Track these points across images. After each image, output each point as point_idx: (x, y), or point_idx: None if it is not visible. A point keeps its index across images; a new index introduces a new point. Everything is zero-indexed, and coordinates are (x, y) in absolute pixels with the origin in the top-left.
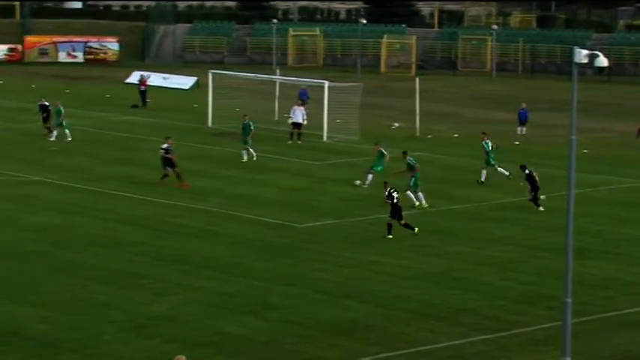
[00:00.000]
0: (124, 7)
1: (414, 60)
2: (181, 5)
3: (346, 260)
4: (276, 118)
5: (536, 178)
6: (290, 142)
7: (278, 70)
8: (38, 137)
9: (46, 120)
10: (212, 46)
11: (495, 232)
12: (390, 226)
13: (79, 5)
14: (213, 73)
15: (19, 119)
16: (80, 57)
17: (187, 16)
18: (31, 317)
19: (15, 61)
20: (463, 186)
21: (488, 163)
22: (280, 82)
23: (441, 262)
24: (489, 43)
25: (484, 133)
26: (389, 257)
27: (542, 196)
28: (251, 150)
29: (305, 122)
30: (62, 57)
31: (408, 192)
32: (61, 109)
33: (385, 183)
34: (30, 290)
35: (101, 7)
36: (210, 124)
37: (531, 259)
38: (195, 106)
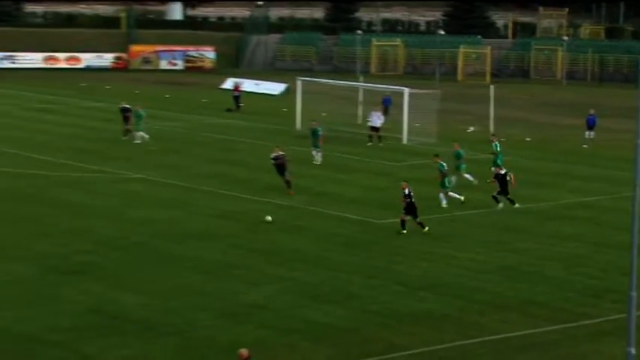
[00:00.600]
0: (220, 18)
1: (488, 68)
2: (273, 17)
3: (424, 254)
4: (359, 122)
5: (512, 182)
6: (369, 144)
7: (361, 78)
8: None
9: (126, 122)
10: (301, 55)
11: (564, 230)
12: (403, 222)
13: (179, 17)
14: (301, 80)
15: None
16: (180, 65)
17: (279, 27)
18: (133, 303)
19: (121, 68)
20: (534, 186)
21: (495, 163)
22: (363, 89)
23: (513, 257)
24: (560, 53)
25: (494, 135)
26: (464, 252)
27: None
28: (320, 153)
29: (382, 125)
30: (163, 65)
31: (443, 194)
32: (142, 112)
33: (404, 182)
34: (133, 279)
35: (199, 19)
36: (298, 126)
37: (598, 255)
38: (285, 110)
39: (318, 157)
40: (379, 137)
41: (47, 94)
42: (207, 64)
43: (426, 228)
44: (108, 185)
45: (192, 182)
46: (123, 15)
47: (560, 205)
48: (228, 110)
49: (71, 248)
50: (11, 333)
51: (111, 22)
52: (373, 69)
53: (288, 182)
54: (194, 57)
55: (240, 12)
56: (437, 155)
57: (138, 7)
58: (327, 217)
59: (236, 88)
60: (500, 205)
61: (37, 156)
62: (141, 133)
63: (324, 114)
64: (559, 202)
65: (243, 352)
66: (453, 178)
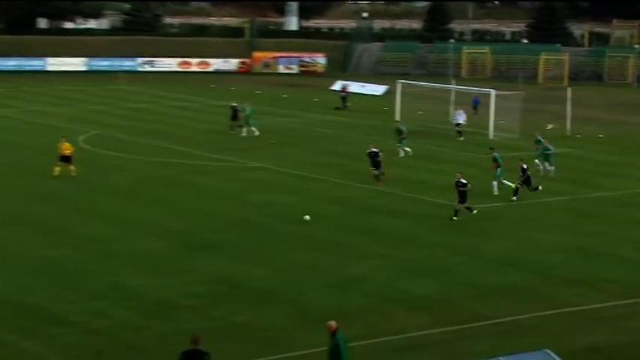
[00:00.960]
0: (331, 29)
1: (566, 73)
2: (377, 28)
3: (508, 235)
4: (451, 119)
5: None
6: (461, 139)
7: (453, 81)
8: (262, 132)
9: (234, 119)
10: (400, 61)
11: (635, 215)
12: (457, 211)
13: (295, 28)
14: (401, 83)
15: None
16: (295, 69)
17: (381, 37)
18: (254, 275)
19: (244, 72)
20: (607, 177)
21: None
22: (455, 91)
23: (587, 239)
24: (631, 59)
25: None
26: (544, 233)
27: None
28: (406, 149)
29: (464, 123)
30: (281, 69)
31: (495, 182)
32: (248, 110)
33: (460, 173)
34: (253, 254)
35: (312, 30)
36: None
37: None
38: (385, 109)
39: (401, 151)
40: (459, 132)
41: (182, 93)
42: (319, 69)
43: (475, 211)
44: (233, 173)
45: (306, 171)
46: (247, 26)
47: (632, 194)
48: (337, 109)
49: (202, 227)
50: (152, 298)
51: (237, 32)
52: (464, 73)
53: (377, 176)
54: (307, 62)
55: (348, 24)
56: (492, 148)
57: (260, 20)
58: (423, 203)
59: (343, 89)
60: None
61: (176, 147)
62: (252, 128)
63: (420, 112)
64: (630, 191)
65: (332, 324)
66: (543, 166)
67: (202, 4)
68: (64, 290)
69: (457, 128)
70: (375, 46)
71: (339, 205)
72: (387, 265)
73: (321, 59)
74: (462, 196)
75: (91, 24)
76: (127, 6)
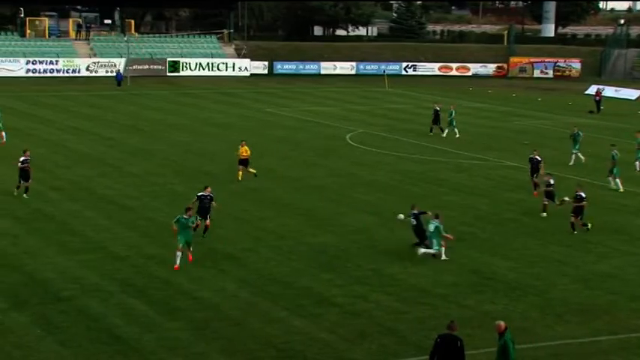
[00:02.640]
0: (587, 35)
1: None
2: (633, 34)
3: None
4: None
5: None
6: None
7: None
8: (515, 133)
9: (435, 122)
10: None
11: None
12: (572, 224)
13: (551, 34)
14: None
15: (503, 119)
16: (550, 73)
17: (637, 43)
18: (504, 267)
19: (501, 76)
20: None
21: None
22: None
23: None
24: None
25: (613, 145)
26: None
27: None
28: (579, 155)
29: None
30: (536, 73)
31: (610, 178)
32: (453, 111)
33: (548, 174)
34: (504, 247)
35: (569, 36)
36: None
37: None
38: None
39: (572, 158)
40: None
41: (441, 95)
42: (573, 73)
43: (589, 225)
44: (486, 170)
45: (554, 170)
46: (505, 32)
47: None
48: (591, 112)
49: (455, 220)
50: (408, 284)
51: (495, 38)
52: None
53: (535, 184)
54: (562, 67)
55: (605, 30)
56: (613, 145)
57: (518, 26)
58: None
59: (597, 93)
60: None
61: (432, 145)
62: (454, 130)
63: None
64: None
65: (501, 324)
66: None
67: (463, 12)
68: (329, 274)
69: None
70: (631, 52)
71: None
72: (633, 263)
73: (575, 64)
74: (549, 195)
75: (361, 31)
76: (394, 15)
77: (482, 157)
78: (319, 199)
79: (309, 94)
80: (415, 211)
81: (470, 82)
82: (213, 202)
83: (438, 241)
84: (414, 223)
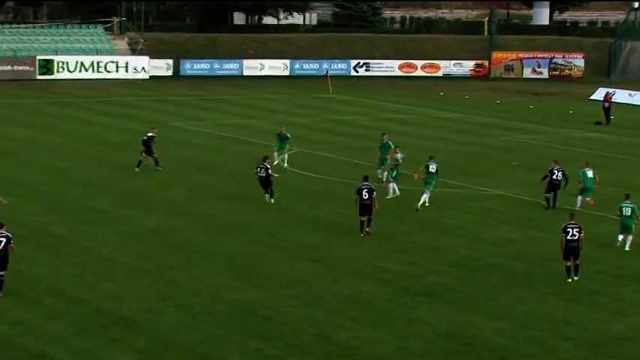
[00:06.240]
0: (592, 23)
1: None
2: None
3: None
4: None
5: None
6: None
7: None
8: (501, 152)
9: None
10: None
11: None
12: (568, 268)
13: (545, 22)
14: None
15: (483, 134)
16: (544, 73)
17: None
18: (489, 329)
19: (481, 76)
20: None
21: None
22: None
23: None
24: None
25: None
26: None
27: None
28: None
29: None
30: (527, 73)
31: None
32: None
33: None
34: (488, 303)
35: (568, 24)
36: None
37: None
38: None
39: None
40: None
41: (402, 103)
42: (575, 73)
43: None
44: (464, 202)
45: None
46: (485, 20)
47: None
48: (598, 123)
49: (424, 268)
50: (364, 354)
51: (472, 27)
52: None
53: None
54: (560, 65)
55: (614, 15)
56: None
57: (502, 12)
58: None
59: (607, 98)
60: None
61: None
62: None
63: None
64: None
65: None
66: None
67: None
68: (258, 342)
69: None
70: None
71: (598, 244)
72: None
73: (577, 61)
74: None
75: (296, 19)
76: None
77: (458, 184)
78: (243, 241)
79: (229, 102)
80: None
81: (440, 85)
82: (11, 245)
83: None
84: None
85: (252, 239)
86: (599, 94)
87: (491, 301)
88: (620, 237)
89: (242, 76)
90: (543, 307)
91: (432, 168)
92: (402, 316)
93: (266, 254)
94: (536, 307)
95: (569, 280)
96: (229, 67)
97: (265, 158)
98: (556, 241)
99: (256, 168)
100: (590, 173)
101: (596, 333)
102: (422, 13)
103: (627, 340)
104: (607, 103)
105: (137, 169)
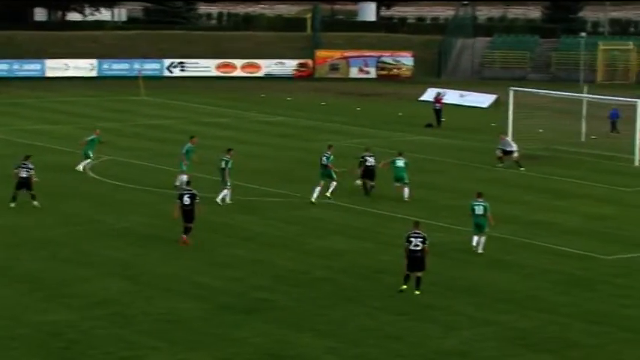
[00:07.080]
0: (420, 19)
1: None
2: (481, 17)
3: None
4: (583, 140)
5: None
6: (522, 169)
7: (585, 88)
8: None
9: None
10: (513, 62)
11: None
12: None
13: (372, 18)
14: (514, 91)
15: (307, 138)
16: (372, 73)
17: (487, 29)
18: (318, 347)
19: (305, 76)
20: None
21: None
22: (587, 101)
23: None
24: None
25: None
26: None
27: None
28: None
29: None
30: (353, 73)
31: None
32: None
33: None
34: (315, 319)
35: (395, 20)
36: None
37: None
38: (493, 125)
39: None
40: (517, 162)
41: (220, 106)
42: (404, 72)
43: None
44: (289, 211)
45: (381, 208)
46: (308, 16)
47: None
48: (428, 126)
49: (245, 284)
50: None
51: (294, 24)
52: (599, 77)
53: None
54: (389, 64)
55: (444, 12)
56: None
57: (325, 7)
58: (541, 251)
59: (437, 99)
60: None
61: (210, 177)
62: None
63: (540, 130)
64: None
65: None
66: None
67: None
68: None
69: (514, 157)
70: (480, 42)
71: (431, 253)
72: (491, 336)
73: (406, 59)
74: None
75: (104, 15)
76: None
77: (281, 192)
78: (48, 258)
79: (29, 105)
80: None
81: (262, 86)
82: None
83: None
84: None
85: (58, 255)
86: (430, 94)
87: (320, 317)
88: (475, 239)
89: (44, 78)
90: (374, 323)
91: (400, 163)
92: (223, 336)
93: (73, 271)
94: (368, 323)
95: (404, 286)
96: (30, 67)
97: (27, 157)
98: (386, 252)
99: (16, 168)
100: (400, 163)
101: (427, 349)
102: (240, 9)
103: (459, 355)
104: (438, 105)
105: None
